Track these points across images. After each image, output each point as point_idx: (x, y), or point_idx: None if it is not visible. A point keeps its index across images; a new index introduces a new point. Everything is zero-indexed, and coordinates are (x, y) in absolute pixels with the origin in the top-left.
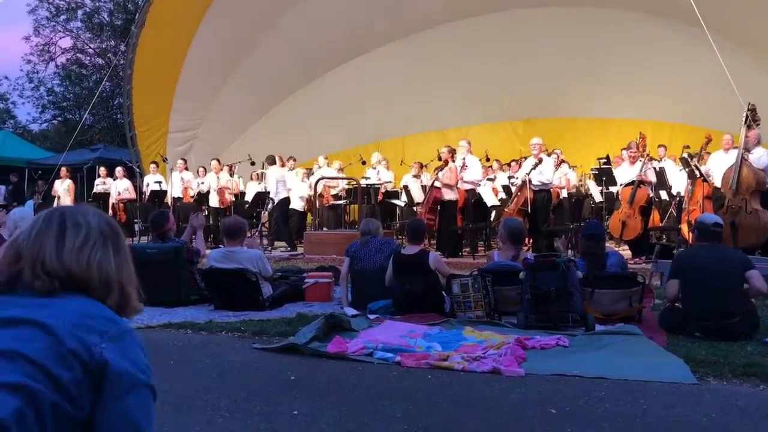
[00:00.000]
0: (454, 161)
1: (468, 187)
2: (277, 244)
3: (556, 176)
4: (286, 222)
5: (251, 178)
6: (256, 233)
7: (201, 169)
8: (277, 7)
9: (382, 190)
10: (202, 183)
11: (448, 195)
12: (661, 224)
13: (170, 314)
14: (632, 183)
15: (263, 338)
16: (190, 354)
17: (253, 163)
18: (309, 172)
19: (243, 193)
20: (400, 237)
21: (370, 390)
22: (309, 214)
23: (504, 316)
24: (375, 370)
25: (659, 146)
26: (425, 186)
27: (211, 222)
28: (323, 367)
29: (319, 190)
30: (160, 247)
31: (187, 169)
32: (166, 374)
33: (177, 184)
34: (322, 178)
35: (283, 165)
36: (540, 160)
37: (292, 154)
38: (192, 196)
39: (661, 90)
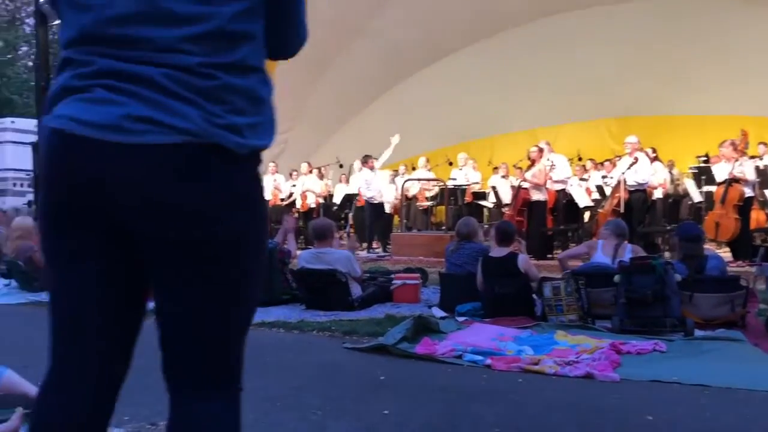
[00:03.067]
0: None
1: (558, 186)
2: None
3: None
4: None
5: (339, 180)
6: (345, 234)
7: (294, 172)
8: (365, 11)
9: (470, 191)
10: (294, 186)
11: (537, 195)
12: (765, 225)
13: (264, 313)
14: (725, 182)
15: (353, 338)
16: (283, 352)
17: (341, 166)
18: (396, 174)
19: (331, 195)
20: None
21: (460, 392)
22: (396, 216)
23: (598, 320)
24: (464, 373)
25: (759, 143)
26: (514, 186)
27: (301, 223)
28: (412, 368)
29: (414, 191)
30: None
31: (278, 171)
32: (262, 371)
33: (269, 187)
34: (410, 180)
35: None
36: (636, 160)
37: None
38: (282, 199)
39: (762, 82)
